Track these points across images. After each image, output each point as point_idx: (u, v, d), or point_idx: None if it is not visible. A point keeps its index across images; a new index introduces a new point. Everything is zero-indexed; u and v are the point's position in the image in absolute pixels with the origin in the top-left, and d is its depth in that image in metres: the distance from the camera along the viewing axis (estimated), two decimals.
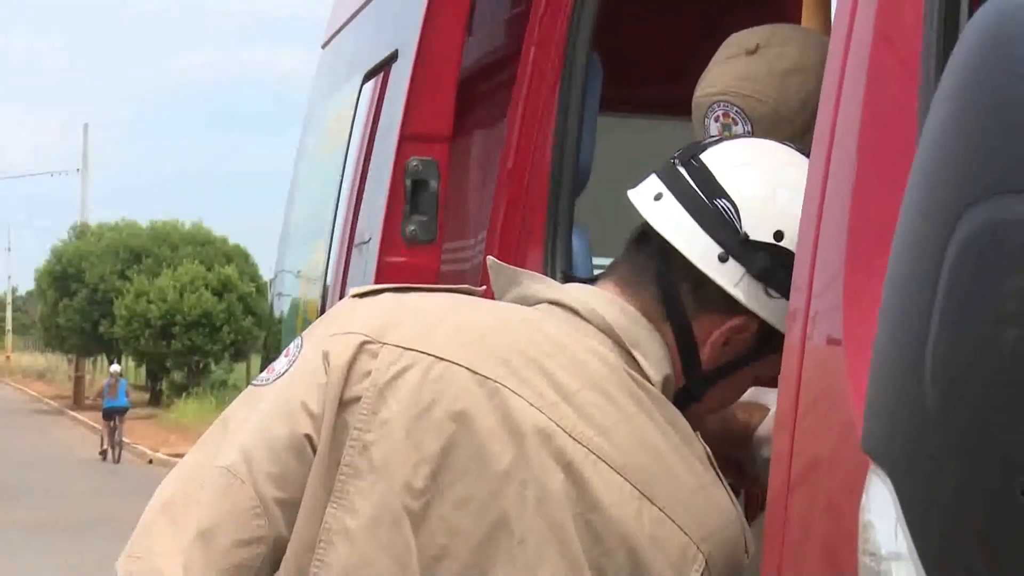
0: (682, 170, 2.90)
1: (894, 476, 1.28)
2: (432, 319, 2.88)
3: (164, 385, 68.67)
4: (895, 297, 1.29)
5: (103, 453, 44.71)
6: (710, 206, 2.85)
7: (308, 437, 2.73)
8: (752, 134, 3.35)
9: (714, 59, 3.68)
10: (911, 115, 2.21)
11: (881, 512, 1.29)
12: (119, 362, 65.26)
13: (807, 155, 2.81)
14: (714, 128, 3.39)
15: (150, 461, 42.25)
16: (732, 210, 2.84)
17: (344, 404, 2.74)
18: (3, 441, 48.91)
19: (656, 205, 2.89)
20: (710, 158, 2.91)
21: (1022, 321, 1.18)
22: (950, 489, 1.23)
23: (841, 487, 2.16)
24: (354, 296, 3.01)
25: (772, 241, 2.80)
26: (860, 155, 2.28)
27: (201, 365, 67.43)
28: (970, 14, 2.19)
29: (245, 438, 2.78)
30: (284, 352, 2.95)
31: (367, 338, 2.79)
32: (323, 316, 3.07)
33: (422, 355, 2.77)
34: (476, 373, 2.76)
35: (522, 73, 4.19)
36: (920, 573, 1.27)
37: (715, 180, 2.87)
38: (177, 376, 68.00)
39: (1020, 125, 1.19)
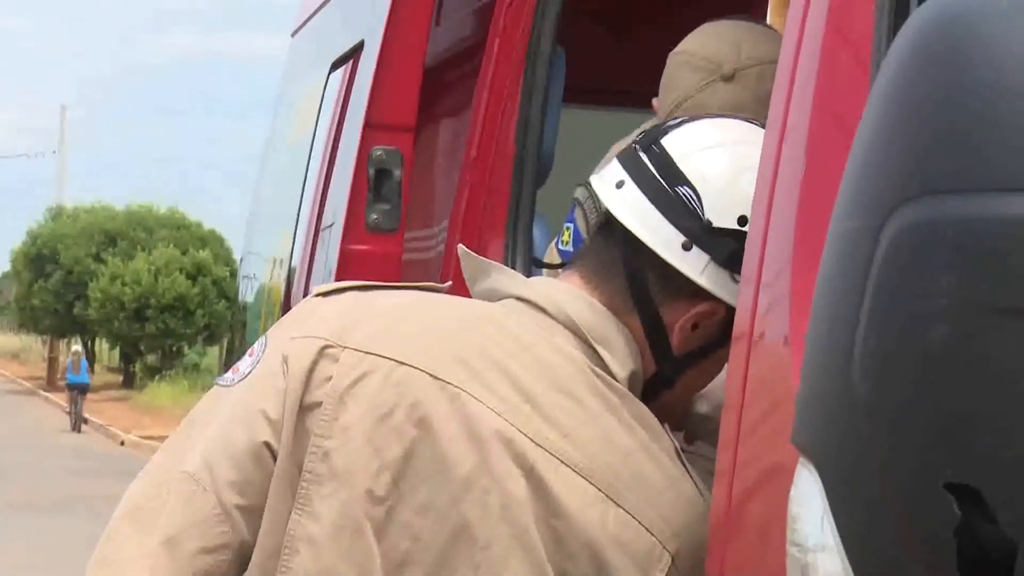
0: (643, 156, 2.86)
1: (821, 469, 1.29)
2: (395, 320, 2.87)
3: (138, 367, 69.05)
4: (826, 291, 1.29)
5: (76, 425, 47.99)
6: (672, 193, 2.80)
7: (267, 444, 2.71)
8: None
9: (680, 79, 3.67)
10: (860, 113, 2.22)
11: (808, 504, 1.30)
12: (93, 344, 66.57)
13: None
14: None
15: (122, 443, 42.53)
16: (694, 197, 2.79)
17: (304, 409, 2.72)
18: None
19: (618, 193, 2.84)
20: (671, 143, 2.86)
21: (951, 318, 1.18)
22: (875, 483, 1.23)
23: (783, 480, 2.17)
24: (317, 295, 2.98)
25: (736, 227, 2.76)
26: (809, 152, 2.28)
27: (175, 348, 68.07)
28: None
29: (207, 443, 2.77)
30: (249, 351, 2.92)
31: (328, 342, 2.76)
32: (286, 316, 3.04)
33: (383, 359, 2.74)
34: (437, 378, 2.73)
35: (486, 64, 4.19)
36: (845, 565, 1.27)
37: (676, 166, 2.82)
38: (151, 359, 68.45)
39: (955, 127, 1.20)
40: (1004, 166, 1.18)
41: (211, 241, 70.13)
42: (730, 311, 2.71)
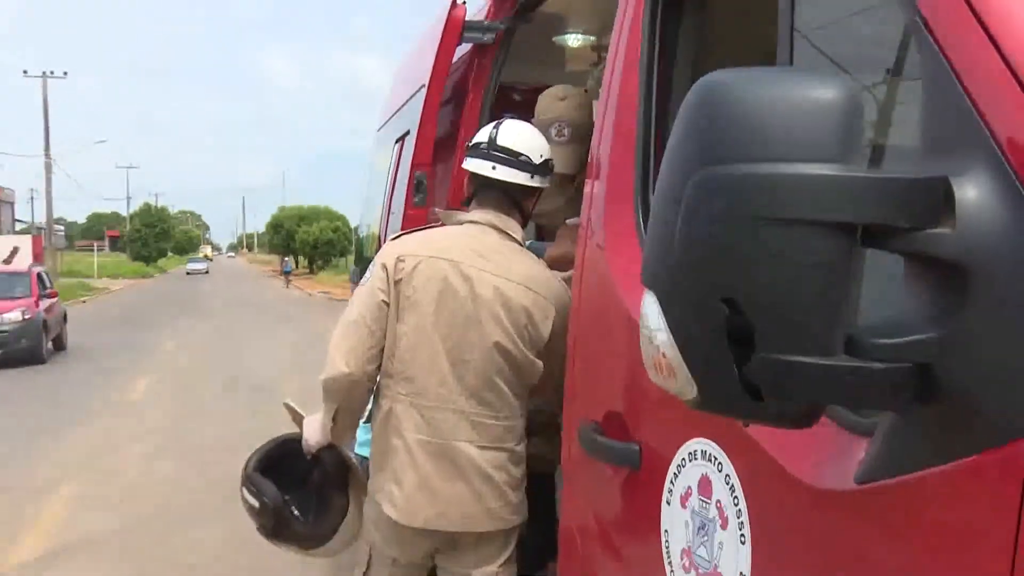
0: (495, 152, 2.74)
1: (656, 293, 1.08)
2: (426, 241, 2.75)
3: (314, 266, 71.49)
4: (659, 211, 1.08)
5: (287, 285, 51.07)
6: (515, 159, 2.73)
7: (384, 301, 2.67)
8: (571, 133, 3.14)
9: (547, 99, 3.40)
10: (632, 141, 1.99)
11: (651, 308, 1.07)
12: (296, 258, 73.60)
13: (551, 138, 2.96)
14: (554, 132, 3.12)
15: (310, 295, 42.84)
16: (526, 156, 2.74)
17: (396, 283, 2.67)
18: (249, 286, 49.60)
19: (494, 171, 2.74)
20: (502, 139, 2.76)
21: (719, 222, 1.02)
22: (684, 299, 1.05)
23: (609, 316, 1.94)
24: (391, 239, 2.85)
25: (544, 161, 2.78)
26: (612, 156, 2.04)
27: (327, 259, 70.83)
28: (662, 105, 1.97)
29: (360, 306, 2.70)
30: (371, 266, 2.80)
31: (399, 254, 2.70)
32: (381, 249, 2.87)
33: (424, 256, 2.68)
34: (448, 259, 2.66)
35: (460, 138, 3.95)
36: (669, 336, 1.06)
37: (512, 148, 2.74)
38: (319, 263, 71.66)
39: (713, 136, 1.04)
40: (735, 152, 0.99)
41: (342, 218, 73.08)
42: (544, 191, 2.83)
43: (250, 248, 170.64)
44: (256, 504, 2.88)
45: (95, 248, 77.08)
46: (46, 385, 13.16)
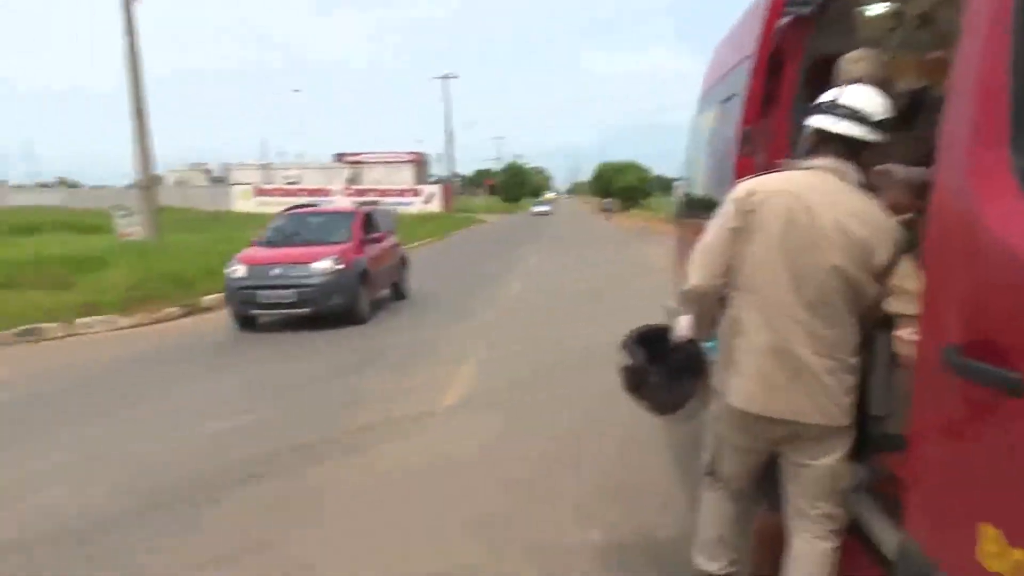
0: (838, 109, 2.34)
1: None
2: (772, 181, 2.39)
3: (625, 206, 65.61)
4: None
5: (608, 219, 43.83)
6: (855, 115, 2.32)
7: (731, 229, 2.38)
8: None
9: (846, 63, 2.96)
10: (1002, 93, 1.50)
11: None
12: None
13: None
14: None
15: (626, 228, 39.42)
16: (866, 114, 2.33)
17: (746, 213, 2.36)
18: (581, 219, 48.25)
19: (838, 124, 2.33)
20: (845, 99, 2.34)
21: None
22: None
23: (980, 253, 1.50)
24: (741, 182, 2.49)
25: (882, 120, 2.34)
26: (977, 106, 1.55)
27: (635, 200, 66.81)
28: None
29: (712, 234, 2.43)
30: (724, 202, 2.46)
31: (750, 190, 2.39)
32: (734, 188, 2.49)
33: (771, 191, 2.34)
34: (791, 192, 2.32)
35: (782, 100, 3.43)
36: None
37: (853, 107, 2.33)
38: (628, 204, 65.46)
39: None
40: None
41: (646, 170, 69.69)
42: (876, 143, 2.35)
43: (580, 193, 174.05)
44: (627, 364, 2.78)
45: (478, 193, 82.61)
46: (458, 285, 14.34)
